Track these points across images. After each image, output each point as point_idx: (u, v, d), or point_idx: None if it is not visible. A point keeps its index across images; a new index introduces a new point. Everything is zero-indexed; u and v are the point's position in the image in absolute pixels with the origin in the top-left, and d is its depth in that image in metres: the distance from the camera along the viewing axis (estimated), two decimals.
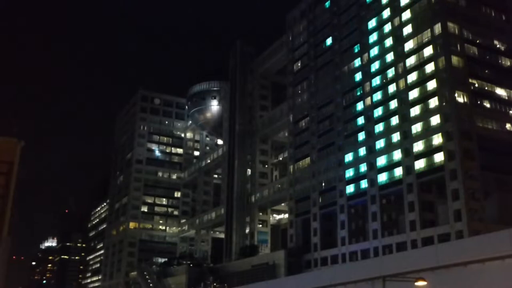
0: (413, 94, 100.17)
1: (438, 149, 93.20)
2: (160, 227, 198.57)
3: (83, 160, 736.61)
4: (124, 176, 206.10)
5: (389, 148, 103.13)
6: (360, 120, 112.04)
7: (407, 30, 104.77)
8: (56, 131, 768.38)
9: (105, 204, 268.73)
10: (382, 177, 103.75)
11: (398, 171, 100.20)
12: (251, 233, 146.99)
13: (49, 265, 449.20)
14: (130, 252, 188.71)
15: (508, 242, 41.98)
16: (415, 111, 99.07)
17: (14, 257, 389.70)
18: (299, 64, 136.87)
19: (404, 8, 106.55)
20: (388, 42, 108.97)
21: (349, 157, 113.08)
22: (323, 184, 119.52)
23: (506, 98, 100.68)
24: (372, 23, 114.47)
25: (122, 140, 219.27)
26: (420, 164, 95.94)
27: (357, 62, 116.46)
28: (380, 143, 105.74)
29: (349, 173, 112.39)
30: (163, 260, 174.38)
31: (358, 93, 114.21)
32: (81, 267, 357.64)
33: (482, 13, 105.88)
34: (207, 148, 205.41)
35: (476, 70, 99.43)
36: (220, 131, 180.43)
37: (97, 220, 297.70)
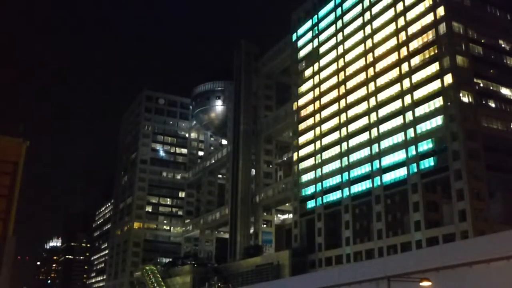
0: (418, 94, 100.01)
1: (442, 149, 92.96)
2: (165, 227, 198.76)
3: (88, 160, 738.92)
4: (129, 176, 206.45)
5: (394, 148, 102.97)
6: (364, 120, 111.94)
7: (412, 29, 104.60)
8: (61, 130, 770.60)
9: (109, 204, 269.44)
10: (387, 177, 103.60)
11: (403, 171, 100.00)
12: (255, 233, 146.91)
13: (54, 265, 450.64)
14: (134, 252, 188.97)
15: None
16: (419, 111, 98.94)
17: (19, 257, 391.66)
18: (303, 64, 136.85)
19: (409, 8, 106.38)
20: (393, 41, 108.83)
21: (353, 157, 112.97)
22: (328, 184, 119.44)
23: (511, 97, 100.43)
24: (376, 23, 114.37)
25: (126, 140, 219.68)
26: (424, 164, 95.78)
27: (361, 62, 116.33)
28: (384, 143, 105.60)
29: (354, 173, 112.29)
30: (167, 260, 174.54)
31: (362, 93, 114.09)
32: (86, 267, 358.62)
33: (487, 12, 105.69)
34: (212, 148, 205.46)
35: (481, 70, 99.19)
36: (225, 131, 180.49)
37: (102, 220, 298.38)
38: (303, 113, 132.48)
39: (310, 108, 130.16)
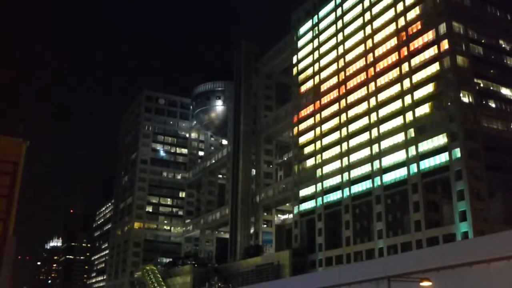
0: (418, 94, 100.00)
1: (443, 149, 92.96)
2: (165, 227, 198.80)
3: (88, 160, 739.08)
4: (129, 176, 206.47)
5: (394, 148, 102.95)
6: (365, 120, 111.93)
7: (412, 30, 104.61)
8: (61, 130, 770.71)
9: (110, 204, 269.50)
10: (387, 177, 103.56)
11: (403, 171, 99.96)
12: (255, 233, 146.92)
13: (54, 265, 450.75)
14: (135, 252, 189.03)
15: None
16: (419, 111, 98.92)
17: (19, 257, 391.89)
18: (303, 64, 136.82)
19: (409, 8, 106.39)
20: (393, 41, 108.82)
21: (353, 157, 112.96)
22: (328, 184, 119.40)
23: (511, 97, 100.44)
24: (376, 23, 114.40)
25: (127, 140, 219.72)
26: (424, 164, 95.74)
27: (362, 62, 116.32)
28: (384, 143, 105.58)
29: (354, 173, 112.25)
30: (168, 260, 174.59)
31: (363, 93, 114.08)
32: (86, 267, 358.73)
33: (487, 12, 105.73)
34: (212, 148, 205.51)
35: (481, 70, 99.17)
36: (225, 131, 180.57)
37: (102, 220, 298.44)
38: (304, 113, 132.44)
39: (310, 108, 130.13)
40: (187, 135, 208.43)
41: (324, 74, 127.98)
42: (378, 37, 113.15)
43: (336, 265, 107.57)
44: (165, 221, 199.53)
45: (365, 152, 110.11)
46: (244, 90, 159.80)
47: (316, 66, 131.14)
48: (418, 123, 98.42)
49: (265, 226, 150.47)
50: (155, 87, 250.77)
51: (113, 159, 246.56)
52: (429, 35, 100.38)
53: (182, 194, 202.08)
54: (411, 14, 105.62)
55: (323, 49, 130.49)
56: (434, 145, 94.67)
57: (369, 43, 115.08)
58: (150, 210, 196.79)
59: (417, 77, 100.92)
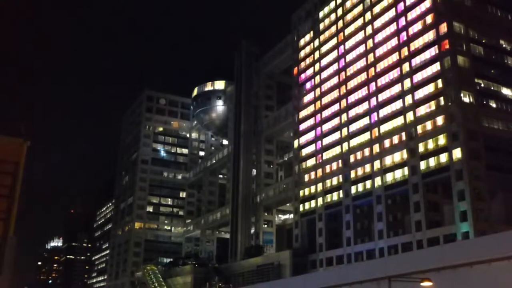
0: (419, 94, 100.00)
1: (443, 149, 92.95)
2: (166, 227, 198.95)
3: (88, 160, 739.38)
4: (130, 176, 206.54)
5: (395, 148, 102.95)
6: (365, 120, 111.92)
7: (412, 30, 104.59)
8: (61, 130, 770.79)
9: (110, 204, 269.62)
10: (388, 177, 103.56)
11: (404, 171, 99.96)
12: (256, 233, 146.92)
13: (55, 265, 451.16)
14: (135, 252, 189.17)
15: None
16: (420, 111, 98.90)
17: (20, 257, 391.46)
18: (304, 64, 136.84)
19: (409, 8, 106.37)
20: (394, 41, 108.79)
21: (354, 157, 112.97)
22: (328, 184, 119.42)
23: None
24: (377, 23, 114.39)
25: (127, 140, 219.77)
26: (425, 164, 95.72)
27: (362, 62, 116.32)
28: (385, 143, 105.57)
29: (355, 173, 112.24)
30: (168, 260, 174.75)
31: (363, 93, 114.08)
32: (87, 267, 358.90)
33: (488, 12, 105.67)
34: (212, 148, 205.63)
35: (482, 70, 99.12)
36: (225, 131, 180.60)
37: (103, 220, 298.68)
38: (304, 113, 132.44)
39: (311, 108, 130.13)
40: (188, 135, 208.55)
41: (324, 74, 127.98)
42: (378, 37, 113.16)
43: (337, 265, 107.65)
44: (166, 221, 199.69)
45: (365, 152, 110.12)
46: (244, 90, 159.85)
47: (317, 66, 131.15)
48: (419, 123, 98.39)
49: (265, 226, 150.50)
50: (155, 87, 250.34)
51: (114, 159, 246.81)
52: (430, 35, 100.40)
53: (182, 194, 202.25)
54: (412, 14, 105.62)
55: (323, 49, 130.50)
56: (435, 145, 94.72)
57: (370, 43, 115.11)
58: (151, 210, 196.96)
59: (418, 77, 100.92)
